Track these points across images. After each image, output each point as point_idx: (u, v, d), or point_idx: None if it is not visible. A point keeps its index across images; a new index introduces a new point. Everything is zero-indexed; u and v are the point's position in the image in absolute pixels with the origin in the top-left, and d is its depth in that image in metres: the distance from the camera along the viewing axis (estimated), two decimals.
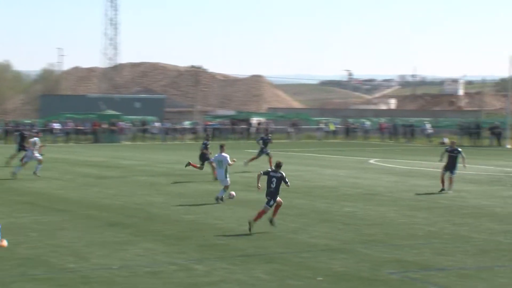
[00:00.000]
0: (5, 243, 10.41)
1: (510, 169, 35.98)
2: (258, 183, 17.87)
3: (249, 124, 71.11)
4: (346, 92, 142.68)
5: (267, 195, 17.49)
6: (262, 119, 74.41)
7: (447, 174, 25.93)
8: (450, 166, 26.08)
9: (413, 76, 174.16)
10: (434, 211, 20.88)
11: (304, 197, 23.71)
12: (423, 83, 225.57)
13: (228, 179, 22.62)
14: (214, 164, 24.27)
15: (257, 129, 70.11)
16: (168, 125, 66.83)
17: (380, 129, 70.54)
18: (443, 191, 25.43)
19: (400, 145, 61.57)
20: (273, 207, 17.57)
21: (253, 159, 34.74)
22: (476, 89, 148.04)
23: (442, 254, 14.70)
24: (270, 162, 33.86)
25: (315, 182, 28.78)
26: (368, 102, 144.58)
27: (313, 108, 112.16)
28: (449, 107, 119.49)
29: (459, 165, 26.42)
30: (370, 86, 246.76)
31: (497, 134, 60.36)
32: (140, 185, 27.33)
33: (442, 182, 25.92)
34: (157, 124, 67.34)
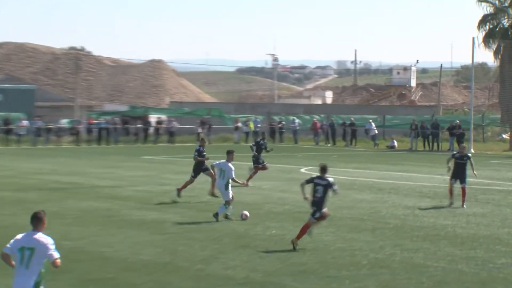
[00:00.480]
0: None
1: (474, 179, 36.94)
2: (304, 194, 19.01)
3: (147, 123, 70.70)
4: (271, 82, 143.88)
5: (312, 205, 18.87)
6: (163, 117, 74.10)
7: (457, 184, 27.18)
8: (459, 175, 27.28)
9: (354, 62, 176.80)
10: (381, 233, 21.24)
11: None
12: (366, 71, 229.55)
13: (230, 192, 23.27)
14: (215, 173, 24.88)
15: (157, 129, 69.79)
16: (40, 124, 65.76)
17: (314, 129, 71.30)
18: (452, 206, 26.53)
19: (338, 150, 62.39)
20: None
21: (250, 177, 34.19)
22: (432, 79, 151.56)
23: (391, 287, 14.94)
24: (253, 174, 34.16)
25: None
26: (299, 95, 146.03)
27: (229, 103, 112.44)
28: (399, 101, 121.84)
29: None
30: (300, 74, 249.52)
31: (458, 135, 61.75)
32: (3, 202, 26.77)
33: (451, 193, 27.11)
34: (25, 123, 66.14)
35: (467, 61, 77.99)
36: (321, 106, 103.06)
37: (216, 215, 23.03)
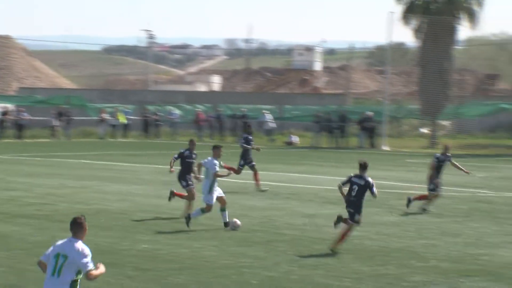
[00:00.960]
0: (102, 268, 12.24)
1: (389, 182, 37.65)
2: (343, 194, 21.10)
3: None
4: (145, 65, 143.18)
5: (347, 206, 20.95)
6: (9, 106, 72.98)
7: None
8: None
9: (247, 41, 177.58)
10: (275, 247, 21.47)
11: None
12: (262, 52, 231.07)
13: (213, 196, 24.00)
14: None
15: (2, 121, 68.66)
16: None
17: (197, 122, 71.38)
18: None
19: (226, 146, 62.50)
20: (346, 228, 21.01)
21: (231, 169, 33.44)
22: (340, 61, 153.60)
23: None
24: (256, 179, 34.15)
25: (93, 204, 28.70)
26: (179, 80, 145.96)
27: (93, 89, 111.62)
28: (300, 88, 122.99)
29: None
30: (182, 55, 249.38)
31: (369, 129, 62.76)
32: None
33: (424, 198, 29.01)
34: None
35: (383, 40, 79.08)
36: (207, 94, 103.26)
37: (187, 218, 24.00)
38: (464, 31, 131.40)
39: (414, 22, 66.25)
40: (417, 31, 66.42)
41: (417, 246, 21.93)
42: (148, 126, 72.75)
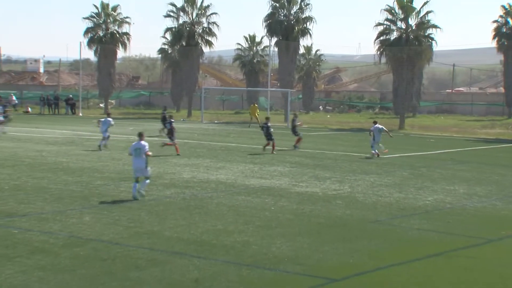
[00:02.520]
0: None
1: (81, 132, 36.54)
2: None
3: None
4: None
5: (167, 136, 25.01)
6: None
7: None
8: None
9: None
10: (19, 168, 20.20)
11: None
12: (8, 61, 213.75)
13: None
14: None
15: None
16: None
17: None
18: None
19: None
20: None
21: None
22: (54, 67, 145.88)
23: (24, 203, 14.35)
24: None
25: None
26: None
27: None
28: (32, 82, 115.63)
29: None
30: None
31: (71, 104, 61.89)
32: None
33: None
34: None
35: (77, 57, 76.40)
36: None
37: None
38: (120, 52, 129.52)
39: (95, 47, 62.58)
40: (95, 52, 62.69)
41: (99, 166, 21.23)
42: None
